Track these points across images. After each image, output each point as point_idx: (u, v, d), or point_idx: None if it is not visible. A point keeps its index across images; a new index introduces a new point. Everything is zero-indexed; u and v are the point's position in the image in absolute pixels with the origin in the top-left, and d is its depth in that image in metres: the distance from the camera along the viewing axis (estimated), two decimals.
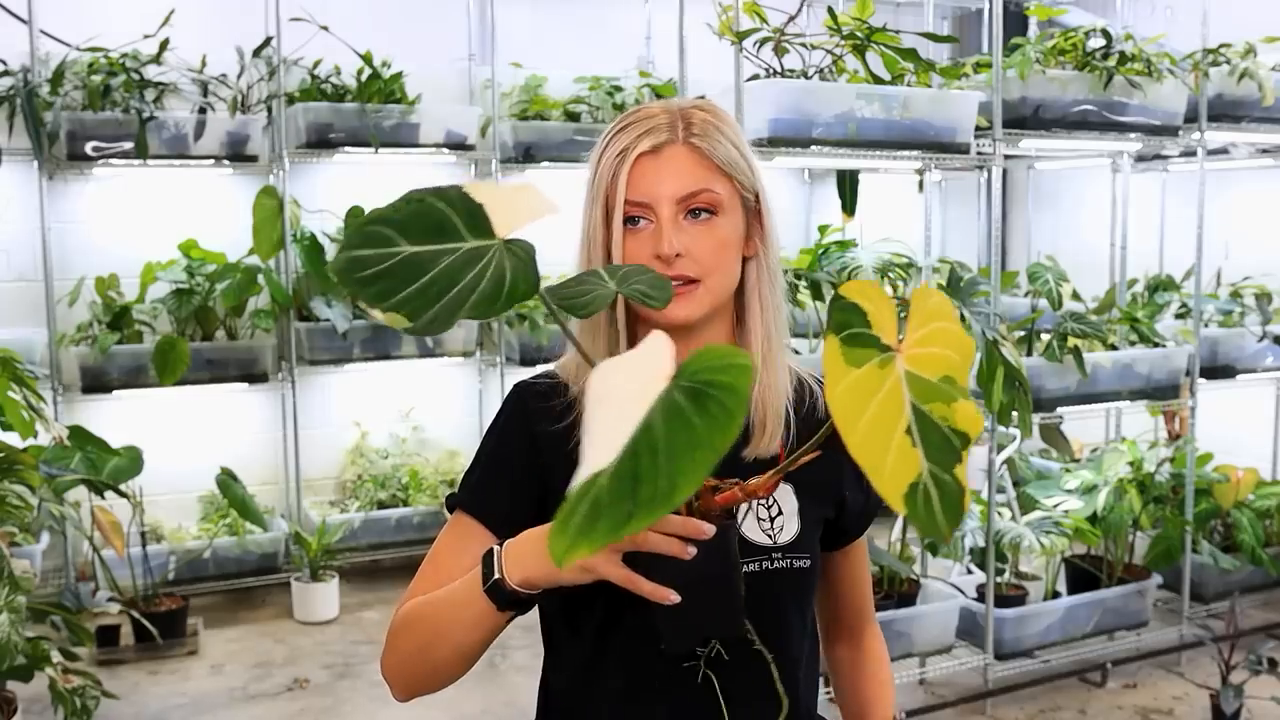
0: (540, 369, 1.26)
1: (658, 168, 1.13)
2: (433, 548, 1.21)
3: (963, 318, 3.01)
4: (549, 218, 0.94)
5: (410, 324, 0.83)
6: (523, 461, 1.18)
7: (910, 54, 2.89)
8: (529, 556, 1.02)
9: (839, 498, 1.24)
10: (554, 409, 1.17)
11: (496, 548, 1.05)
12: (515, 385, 1.25)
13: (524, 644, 3.61)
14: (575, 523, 0.68)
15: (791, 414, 1.21)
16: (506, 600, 1.03)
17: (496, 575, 1.03)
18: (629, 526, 0.67)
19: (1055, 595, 3.54)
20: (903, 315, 0.85)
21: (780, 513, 1.21)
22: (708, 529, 0.96)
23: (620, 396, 0.75)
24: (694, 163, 1.14)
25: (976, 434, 0.79)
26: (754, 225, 1.19)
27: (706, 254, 1.13)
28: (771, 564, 1.17)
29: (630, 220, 1.14)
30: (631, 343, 1.17)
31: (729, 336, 1.21)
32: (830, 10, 2.92)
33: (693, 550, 0.96)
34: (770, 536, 1.18)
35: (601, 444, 0.72)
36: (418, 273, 0.85)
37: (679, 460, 0.70)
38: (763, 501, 1.19)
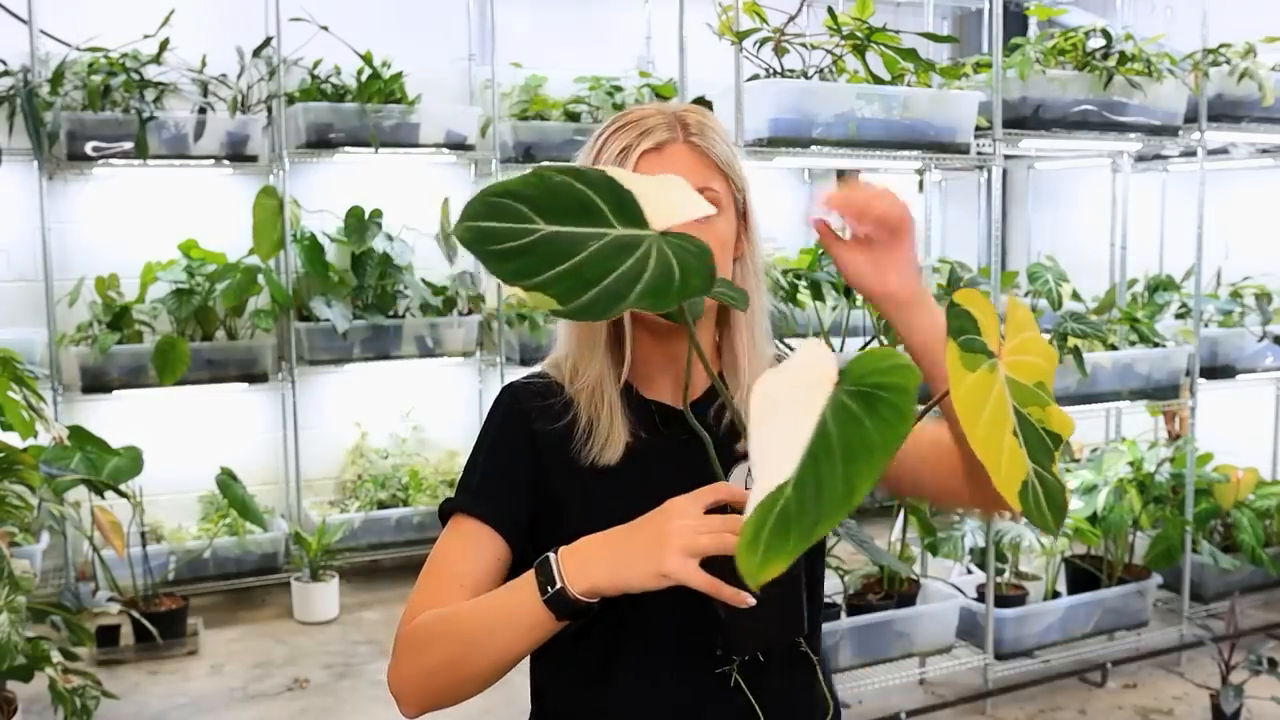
0: (528, 370, 1.26)
1: (662, 166, 1.12)
2: (433, 556, 1.17)
3: None
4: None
5: (562, 306, 0.81)
6: (523, 462, 1.16)
7: (910, 54, 2.89)
8: (595, 564, 0.99)
9: None
10: (551, 408, 1.16)
11: (552, 556, 1.02)
12: (506, 386, 1.23)
13: None
14: (765, 538, 0.70)
15: None
16: (569, 610, 1.00)
17: (559, 584, 0.99)
18: (815, 533, 0.70)
19: (1055, 595, 3.54)
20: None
21: None
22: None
23: (788, 407, 0.77)
24: (696, 161, 1.14)
25: (1068, 435, 0.86)
26: (741, 226, 1.20)
27: None
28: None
29: None
30: (619, 343, 1.18)
31: (711, 337, 1.21)
32: (830, 10, 2.92)
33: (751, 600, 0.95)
34: None
35: (777, 456, 0.74)
36: (562, 254, 0.83)
37: (856, 463, 0.72)
38: (747, 479, 1.19)
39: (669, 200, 0.88)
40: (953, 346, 0.83)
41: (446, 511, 1.18)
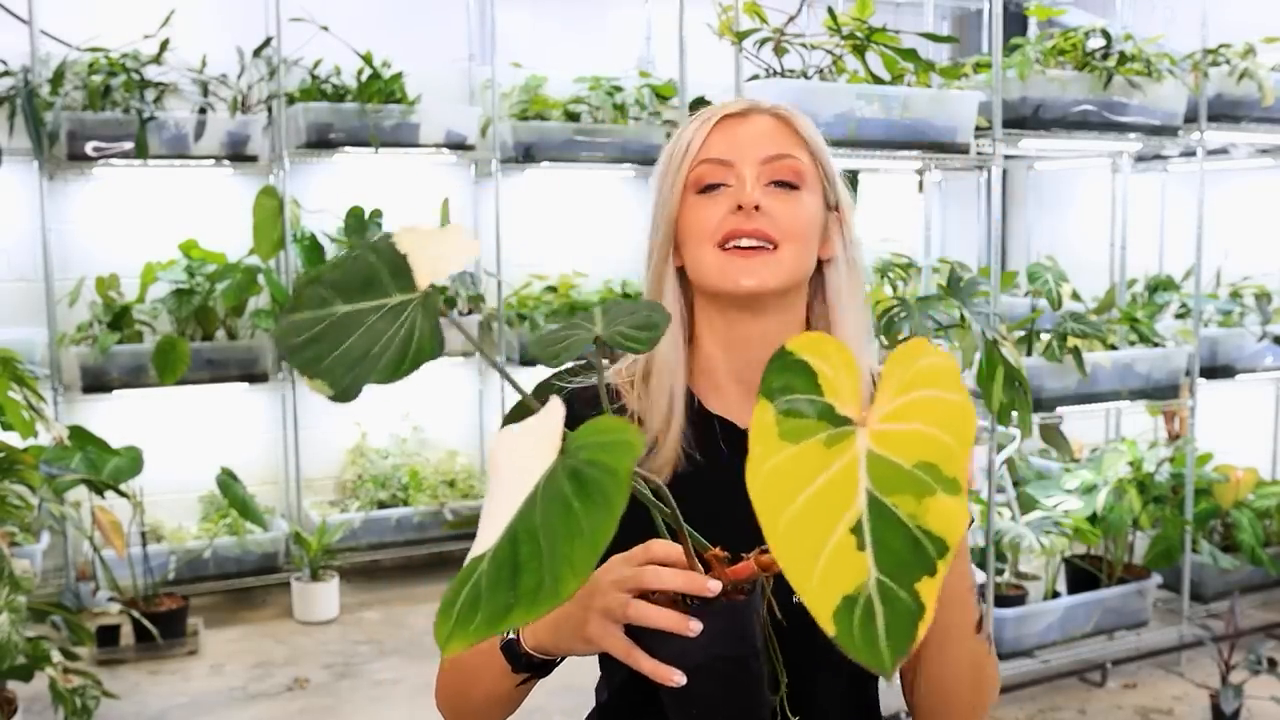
0: (565, 369, 1.12)
1: (743, 129, 1.07)
2: None
3: (963, 318, 3.01)
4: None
5: (331, 391, 0.76)
6: None
7: (910, 54, 2.89)
8: (544, 622, 0.92)
9: None
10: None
11: None
12: (564, 394, 1.09)
13: None
14: (457, 610, 0.62)
15: None
16: (521, 663, 0.95)
17: (512, 635, 0.95)
18: (509, 619, 0.60)
19: (1055, 595, 3.54)
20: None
21: None
22: (713, 585, 0.83)
23: (512, 470, 0.67)
24: (782, 131, 1.07)
25: (956, 540, 0.62)
26: (834, 226, 1.10)
27: (787, 219, 1.04)
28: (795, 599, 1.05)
29: (709, 189, 1.06)
30: (691, 329, 1.09)
31: (799, 332, 1.10)
32: (830, 10, 2.92)
33: (697, 626, 0.83)
34: None
35: (490, 523, 0.65)
36: (345, 335, 0.78)
37: (560, 549, 0.61)
38: None
39: (436, 252, 0.81)
40: (765, 409, 0.65)
41: None
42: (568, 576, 0.60)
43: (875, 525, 0.62)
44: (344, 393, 0.76)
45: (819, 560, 0.61)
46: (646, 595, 0.86)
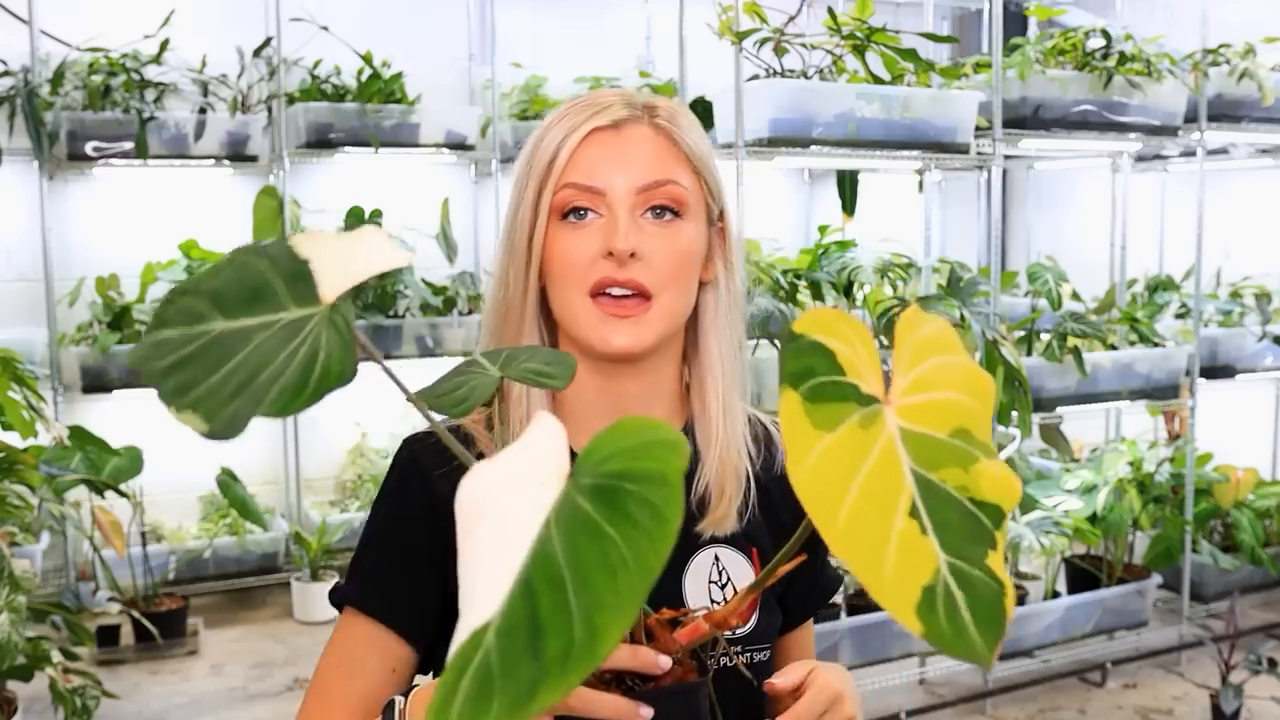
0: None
1: (616, 148, 0.92)
2: (321, 664, 0.94)
3: (963, 318, 3.01)
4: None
5: (206, 427, 0.61)
6: (424, 538, 0.92)
7: (910, 54, 2.89)
8: None
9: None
10: (462, 466, 0.97)
11: (399, 700, 0.82)
12: (405, 440, 1.00)
13: None
14: (460, 705, 0.47)
15: (749, 472, 0.97)
16: None
17: None
18: (537, 699, 0.46)
19: (1055, 595, 3.54)
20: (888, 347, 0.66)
21: (733, 589, 0.95)
22: (663, 661, 0.74)
23: (498, 515, 0.54)
24: (660, 148, 0.93)
25: (1013, 504, 0.58)
26: (716, 244, 0.98)
27: (665, 262, 0.91)
28: (730, 660, 0.93)
29: (574, 212, 0.92)
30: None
31: (677, 378, 0.99)
32: (830, 10, 2.92)
33: (648, 714, 0.73)
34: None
35: (484, 586, 0.51)
36: (224, 358, 0.63)
37: (596, 592, 0.49)
38: (713, 571, 0.95)
39: (347, 259, 0.66)
40: (790, 398, 0.57)
41: (337, 602, 0.95)
42: (609, 625, 0.48)
43: (930, 505, 0.56)
44: (223, 428, 0.61)
45: (888, 553, 0.54)
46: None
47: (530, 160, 0.95)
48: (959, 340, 0.63)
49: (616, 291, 0.91)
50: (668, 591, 0.94)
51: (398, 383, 0.74)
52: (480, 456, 0.93)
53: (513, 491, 0.55)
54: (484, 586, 0.51)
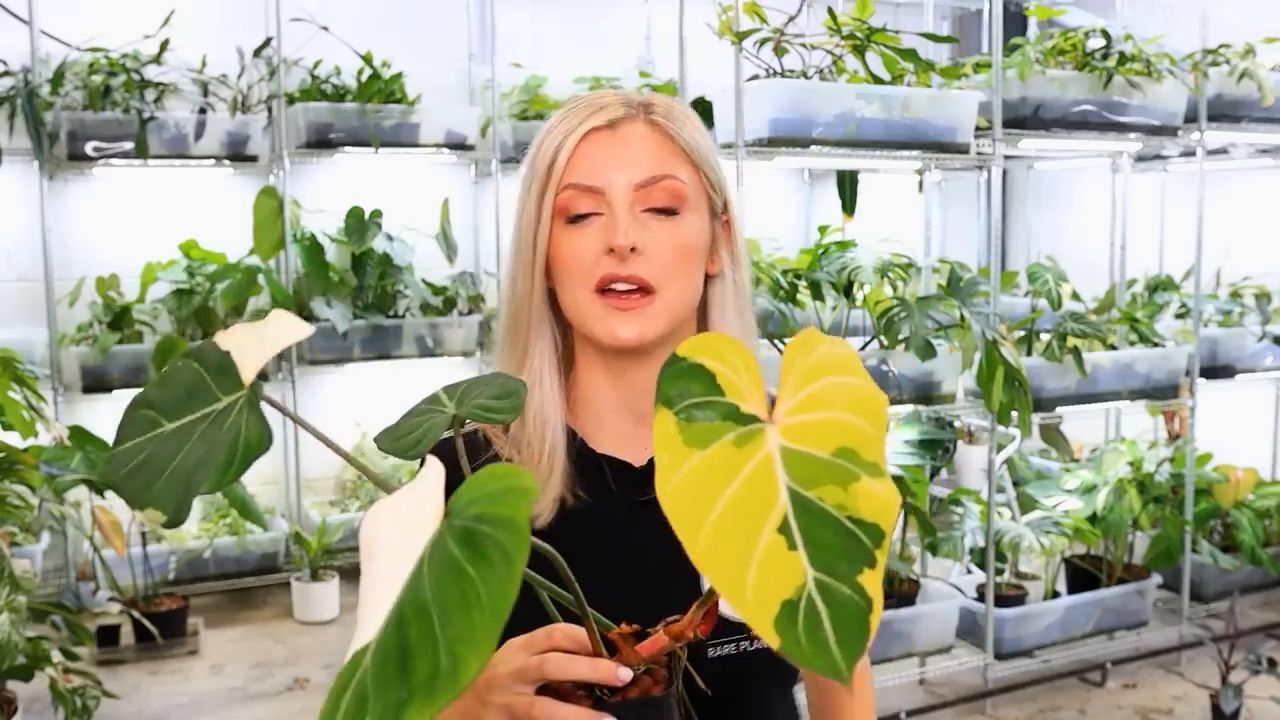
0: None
1: (613, 147, 0.94)
2: None
3: (962, 318, 3.01)
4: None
5: (165, 518, 0.69)
6: None
7: (910, 54, 2.89)
8: None
9: None
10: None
11: None
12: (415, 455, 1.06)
13: None
14: (341, 719, 0.53)
15: None
16: None
17: None
18: (405, 718, 0.51)
19: (1055, 595, 3.54)
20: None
21: None
22: (623, 674, 0.74)
23: (391, 547, 0.59)
24: (657, 144, 0.95)
25: (891, 523, 0.59)
26: (721, 237, 1.00)
27: (667, 256, 0.93)
28: (751, 644, 0.95)
29: (578, 217, 0.94)
30: (568, 358, 1.00)
31: None
32: (830, 10, 2.92)
33: None
34: None
35: (370, 611, 0.57)
36: (173, 454, 0.70)
37: (456, 625, 0.53)
38: None
39: (259, 341, 0.73)
40: (665, 417, 0.60)
41: None
42: (467, 656, 0.52)
43: (803, 521, 0.58)
44: (177, 514, 0.68)
45: (749, 569, 0.56)
46: (548, 687, 0.78)
47: (532, 163, 0.97)
48: (856, 361, 0.65)
49: (620, 287, 0.93)
50: (688, 588, 0.94)
51: (333, 447, 0.77)
52: (496, 459, 0.95)
53: (400, 530, 0.59)
54: (368, 614, 0.56)
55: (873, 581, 0.56)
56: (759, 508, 0.58)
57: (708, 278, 0.99)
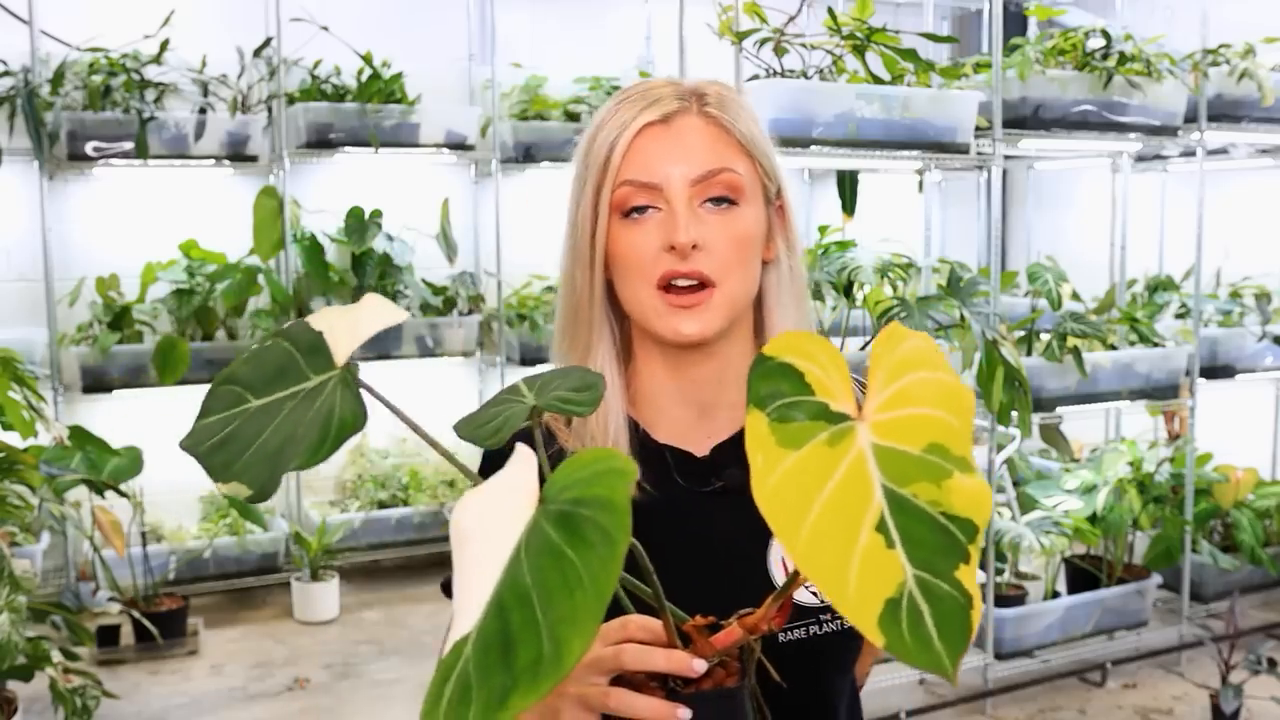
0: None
1: (669, 142, 0.93)
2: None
3: (962, 318, 3.01)
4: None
5: (249, 493, 0.71)
6: None
7: (910, 54, 2.89)
8: None
9: None
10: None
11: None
12: (486, 456, 1.00)
13: None
14: (444, 708, 0.53)
15: None
16: None
17: None
18: (510, 705, 0.52)
19: (1055, 595, 3.54)
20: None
21: None
22: (698, 665, 0.75)
23: (484, 537, 0.59)
24: (712, 137, 0.94)
25: (985, 518, 0.59)
26: (775, 223, 1.01)
27: (726, 249, 0.93)
28: (820, 628, 0.96)
29: (634, 210, 0.94)
30: (627, 350, 1.01)
31: (748, 356, 0.99)
32: (830, 10, 2.92)
33: (686, 715, 0.75)
34: (817, 594, 0.95)
35: (468, 601, 0.57)
36: (259, 430, 0.72)
37: (558, 608, 0.53)
38: None
39: (353, 323, 0.75)
40: (757, 419, 0.60)
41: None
42: (571, 638, 0.52)
43: (899, 519, 0.58)
44: (262, 490, 0.70)
45: (850, 568, 0.56)
46: (622, 678, 0.78)
47: (586, 158, 0.97)
48: (940, 355, 0.65)
49: (682, 283, 0.93)
50: (756, 577, 0.95)
51: (419, 431, 0.78)
52: (560, 453, 0.96)
53: (493, 517, 0.60)
54: (466, 604, 0.57)
55: (969, 577, 0.57)
56: (856, 506, 0.58)
57: (764, 265, 1.00)
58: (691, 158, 0.93)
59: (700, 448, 0.99)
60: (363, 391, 0.73)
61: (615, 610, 0.77)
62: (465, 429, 0.80)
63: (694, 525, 0.95)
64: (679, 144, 0.93)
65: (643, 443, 0.98)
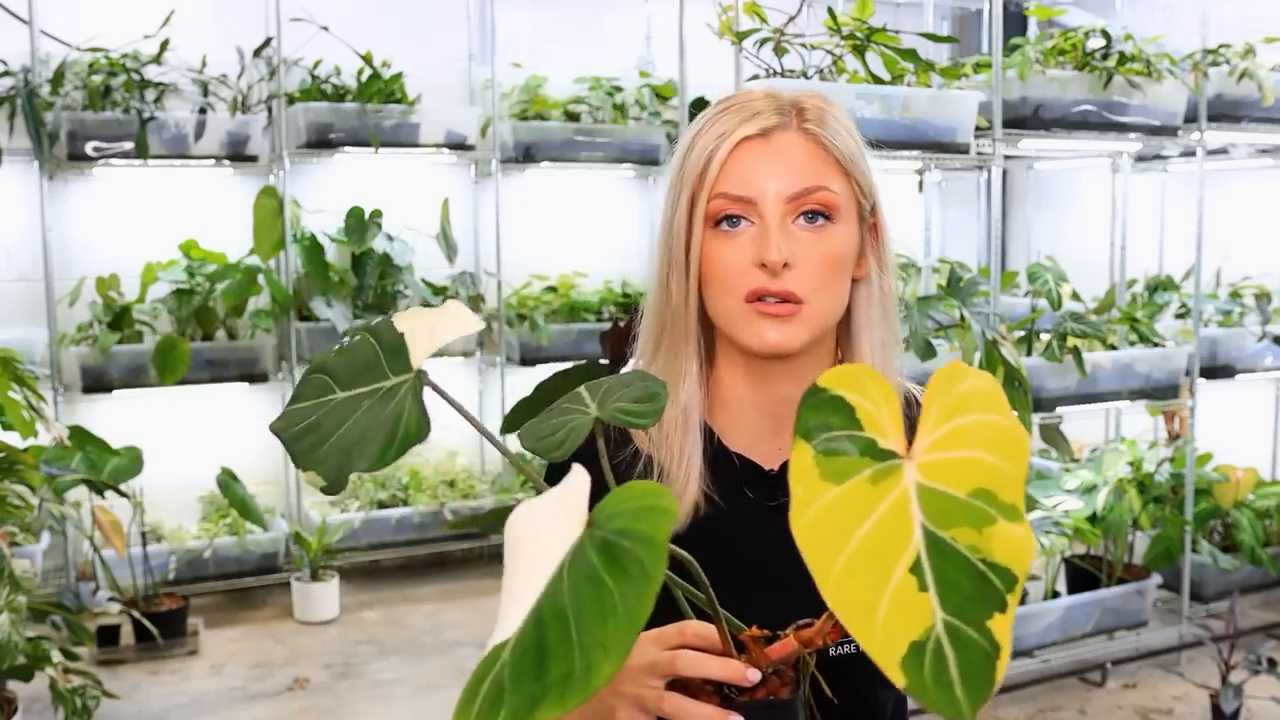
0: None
1: (766, 157, 0.93)
2: None
3: (962, 318, 3.01)
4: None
5: (325, 483, 0.73)
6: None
7: (910, 54, 2.89)
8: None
9: None
10: (617, 468, 0.93)
11: None
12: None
13: None
14: (478, 706, 0.56)
15: None
16: None
17: None
18: (537, 714, 0.54)
19: (1055, 595, 3.54)
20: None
21: None
22: (752, 674, 0.77)
23: (534, 547, 0.61)
24: (809, 154, 0.94)
25: (1024, 568, 0.58)
26: (868, 241, 0.99)
27: (816, 268, 0.93)
28: (846, 648, 0.96)
29: (727, 220, 0.94)
30: (710, 355, 1.01)
31: (830, 360, 1.02)
32: (830, 10, 2.92)
33: None
34: None
35: (512, 607, 0.59)
36: (339, 422, 0.75)
37: (593, 633, 0.55)
38: None
39: (434, 328, 0.77)
40: (803, 450, 0.61)
41: None
42: (601, 662, 0.54)
43: (936, 563, 0.57)
44: (334, 483, 0.73)
45: (879, 607, 0.56)
46: (678, 682, 0.80)
47: (681, 169, 0.96)
48: (1001, 397, 0.64)
49: (771, 299, 0.93)
50: (812, 592, 0.95)
51: (492, 440, 0.80)
52: (636, 453, 0.98)
53: (542, 533, 0.62)
54: (510, 610, 0.59)
55: (1002, 626, 0.56)
56: (893, 546, 0.58)
57: (854, 282, 0.99)
58: (787, 174, 0.93)
59: (771, 460, 1.00)
60: (427, 392, 0.76)
61: (675, 616, 0.80)
62: (529, 440, 0.80)
63: (756, 538, 0.96)
64: (776, 159, 0.93)
65: (716, 450, 0.99)
